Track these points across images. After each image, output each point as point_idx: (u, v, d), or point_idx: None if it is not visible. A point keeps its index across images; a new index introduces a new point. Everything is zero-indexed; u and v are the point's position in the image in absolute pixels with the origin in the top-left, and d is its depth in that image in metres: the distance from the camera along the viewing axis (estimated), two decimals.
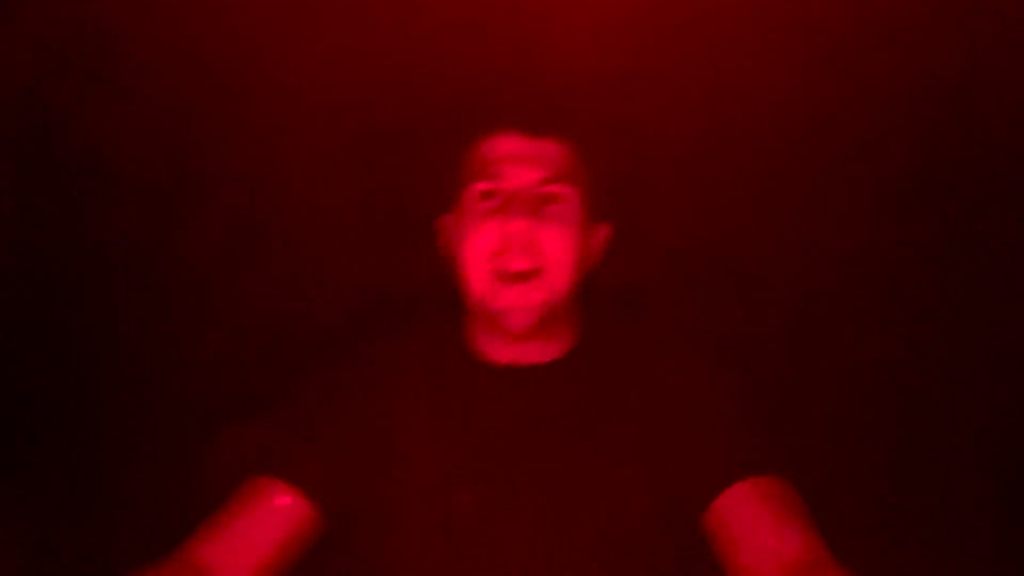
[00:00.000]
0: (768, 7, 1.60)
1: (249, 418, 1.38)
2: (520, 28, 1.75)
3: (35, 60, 1.66)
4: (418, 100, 1.90)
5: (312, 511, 0.85)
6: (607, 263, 0.96)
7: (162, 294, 1.82)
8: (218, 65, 1.77)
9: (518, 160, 0.85)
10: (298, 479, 0.85)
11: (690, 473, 0.83)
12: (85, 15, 1.62)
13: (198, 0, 1.68)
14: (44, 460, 1.55)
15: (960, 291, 1.65)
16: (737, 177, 1.72)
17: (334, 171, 1.91)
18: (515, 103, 0.95)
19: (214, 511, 0.87)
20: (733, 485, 0.81)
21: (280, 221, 1.86)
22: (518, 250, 0.82)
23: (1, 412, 1.56)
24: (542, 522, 0.82)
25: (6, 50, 1.62)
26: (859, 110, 1.69)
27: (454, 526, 0.82)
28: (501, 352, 0.89)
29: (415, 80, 1.88)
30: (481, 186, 0.86)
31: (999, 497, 1.53)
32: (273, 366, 1.82)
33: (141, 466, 1.56)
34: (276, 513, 0.84)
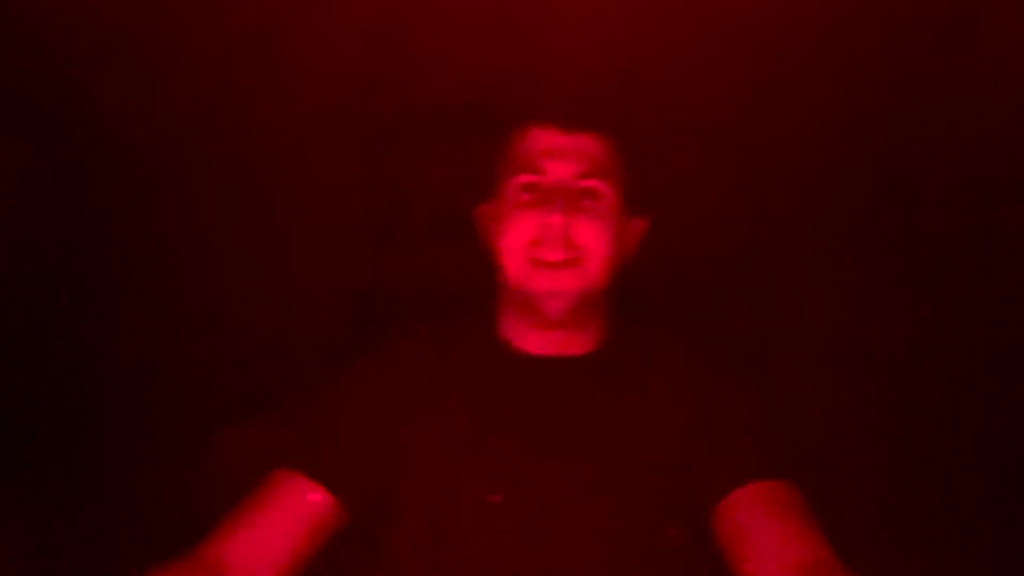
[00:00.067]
0: (768, 8, 1.60)
1: (250, 418, 1.38)
2: (520, 28, 1.75)
3: (35, 56, 1.66)
4: (418, 100, 1.90)
5: (333, 507, 0.85)
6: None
7: (162, 294, 1.82)
8: (218, 64, 1.77)
9: (557, 154, 0.88)
10: (320, 474, 0.86)
11: (702, 473, 0.84)
12: (85, 12, 1.62)
13: None
14: (44, 460, 1.55)
15: (962, 291, 1.65)
16: (738, 177, 1.72)
17: (334, 170, 1.91)
18: (554, 98, 0.96)
19: (224, 508, 0.87)
20: (742, 487, 0.82)
21: (280, 221, 1.87)
22: (554, 242, 0.85)
23: (1, 412, 1.56)
24: (571, 517, 0.83)
25: (6, 48, 1.62)
26: (862, 110, 1.69)
27: (485, 524, 0.83)
28: (534, 343, 0.91)
29: (415, 80, 1.89)
30: (521, 179, 0.89)
31: (999, 497, 1.53)
32: (273, 366, 1.82)
33: (141, 466, 1.56)
34: (297, 508, 0.85)
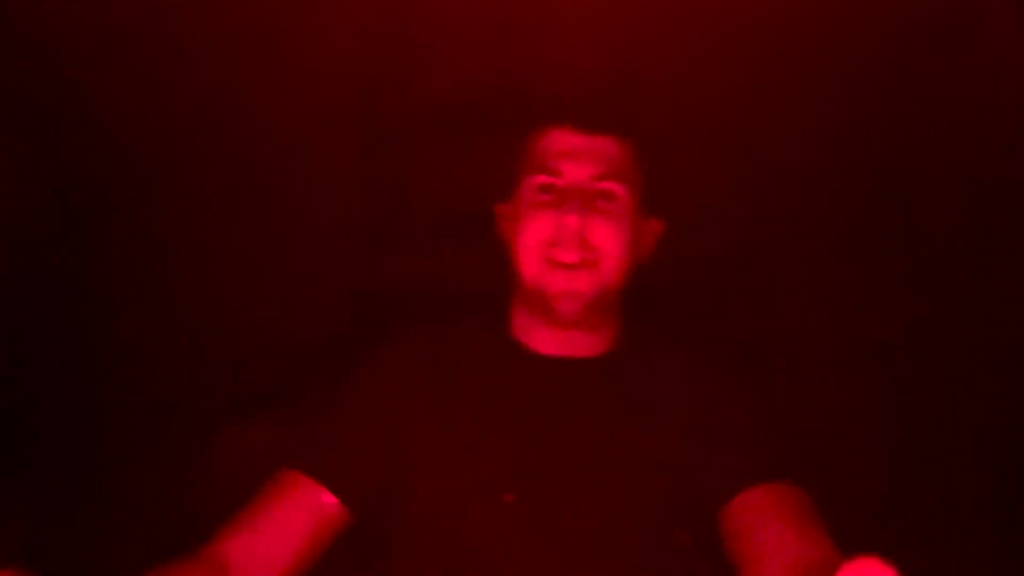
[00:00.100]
0: (768, 8, 1.60)
1: (250, 418, 1.38)
2: (520, 28, 1.75)
3: (35, 56, 1.66)
4: (418, 100, 1.90)
5: (338, 509, 0.85)
6: None
7: (162, 294, 1.82)
8: (218, 64, 1.77)
9: (575, 156, 0.88)
10: (325, 476, 0.85)
11: (709, 475, 0.84)
12: (85, 12, 1.62)
13: None
14: (44, 460, 1.55)
15: (962, 291, 1.65)
16: (738, 177, 1.72)
17: (334, 170, 1.91)
18: (572, 98, 0.97)
19: (224, 507, 0.87)
20: (749, 489, 0.82)
21: (280, 221, 1.87)
22: (570, 243, 0.85)
23: (1, 412, 1.56)
24: (580, 518, 0.83)
25: (6, 48, 1.62)
26: (862, 110, 1.69)
27: (498, 523, 0.83)
28: (546, 343, 0.91)
29: (415, 80, 1.89)
30: (538, 179, 0.89)
31: (999, 497, 1.53)
32: (273, 366, 1.82)
33: (141, 466, 1.56)
34: (302, 509, 0.85)
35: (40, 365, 1.67)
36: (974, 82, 1.62)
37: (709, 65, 1.69)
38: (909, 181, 1.70)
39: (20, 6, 1.62)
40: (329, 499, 0.84)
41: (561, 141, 0.88)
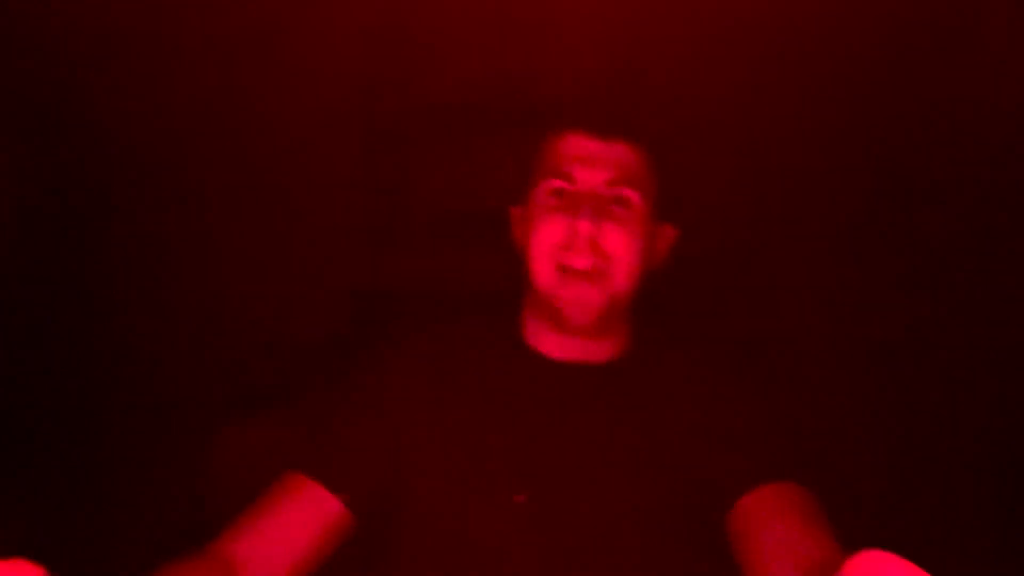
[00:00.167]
0: (769, 9, 1.60)
1: (250, 418, 1.38)
2: (520, 28, 1.75)
3: (35, 56, 1.66)
4: (418, 100, 1.90)
5: (343, 511, 0.85)
6: None
7: (162, 294, 1.82)
8: (218, 64, 1.77)
9: (589, 161, 0.87)
10: (330, 479, 0.85)
11: (715, 476, 0.84)
12: (85, 12, 1.62)
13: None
14: (44, 460, 1.55)
15: (961, 291, 1.65)
16: (738, 177, 1.72)
17: (334, 170, 1.91)
18: (587, 103, 0.96)
19: (224, 506, 0.87)
20: (754, 489, 0.82)
21: (280, 221, 1.87)
22: (582, 249, 0.84)
23: (1, 412, 1.56)
24: (589, 518, 0.83)
25: (6, 48, 1.62)
26: (862, 110, 1.69)
27: (508, 525, 0.83)
28: (556, 348, 0.91)
29: (415, 80, 1.89)
30: (551, 184, 0.88)
31: (999, 497, 1.53)
32: (273, 366, 1.82)
33: (141, 466, 1.56)
34: (307, 513, 0.85)
35: (40, 365, 1.67)
36: (974, 82, 1.62)
37: (709, 65, 1.69)
38: (909, 181, 1.70)
39: (20, 6, 1.62)
40: (334, 502, 0.84)
41: (575, 146, 0.88)
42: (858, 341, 1.71)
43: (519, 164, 0.94)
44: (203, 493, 1.22)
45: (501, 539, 0.82)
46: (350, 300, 1.90)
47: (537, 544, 0.82)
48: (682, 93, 1.66)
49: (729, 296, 1.70)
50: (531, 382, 0.89)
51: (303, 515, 0.84)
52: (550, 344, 0.90)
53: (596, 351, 0.90)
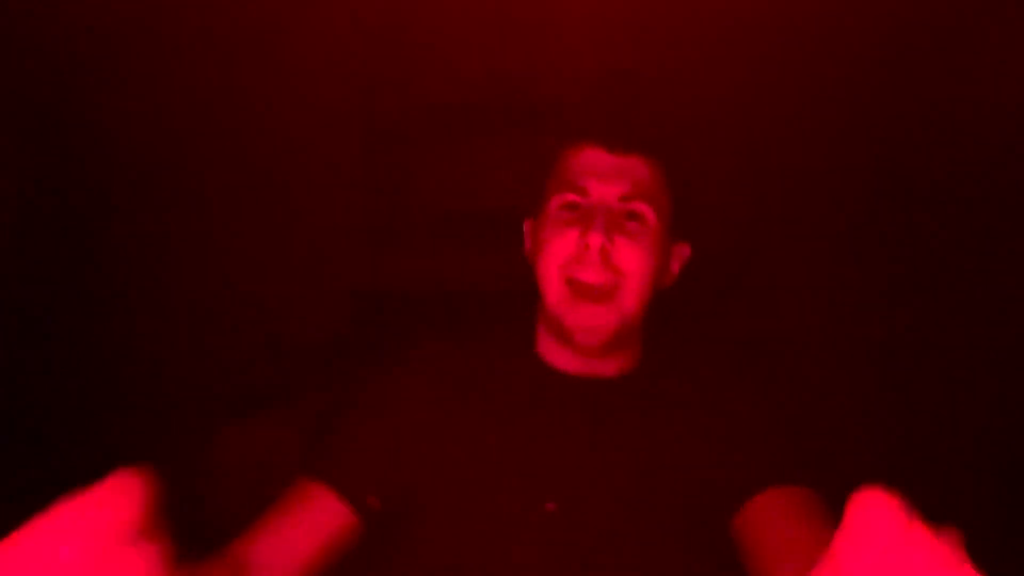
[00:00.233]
0: (769, 9, 1.60)
1: (250, 418, 1.38)
2: (520, 28, 1.75)
3: (35, 56, 1.66)
4: (418, 100, 1.90)
5: (355, 519, 0.85)
6: None
7: (162, 294, 1.82)
8: (218, 64, 1.77)
9: (602, 175, 0.86)
10: (344, 487, 0.85)
11: (723, 478, 0.84)
12: (85, 12, 1.62)
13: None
14: (44, 460, 1.55)
15: (962, 291, 1.65)
16: (738, 177, 1.72)
17: (334, 170, 1.91)
18: (601, 116, 0.95)
19: (224, 506, 0.87)
20: (761, 492, 0.82)
21: (280, 221, 1.87)
22: (594, 263, 0.83)
23: (1, 412, 1.56)
24: (605, 530, 0.83)
25: (6, 48, 1.62)
26: (862, 110, 1.69)
27: (526, 536, 0.83)
28: (569, 362, 0.90)
29: (415, 80, 1.89)
30: (565, 197, 0.87)
31: (999, 497, 1.53)
32: (273, 366, 1.82)
33: (141, 466, 1.56)
34: (320, 518, 0.84)
35: (40, 365, 1.67)
36: (974, 82, 1.62)
37: (709, 66, 1.69)
38: (909, 181, 1.70)
39: (20, 6, 1.62)
40: (346, 509, 0.84)
41: (590, 160, 0.87)
42: (858, 341, 1.71)
43: (531, 174, 0.93)
44: (203, 493, 1.22)
45: (519, 549, 0.82)
46: (350, 300, 1.90)
47: (555, 554, 0.82)
48: (682, 94, 1.66)
49: (730, 297, 1.70)
50: (544, 395, 0.89)
51: (316, 521, 0.84)
52: (562, 358, 0.90)
53: (607, 366, 0.90)
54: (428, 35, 1.78)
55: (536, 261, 0.88)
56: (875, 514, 0.35)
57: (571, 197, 0.86)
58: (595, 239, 0.82)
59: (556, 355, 0.90)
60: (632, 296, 0.84)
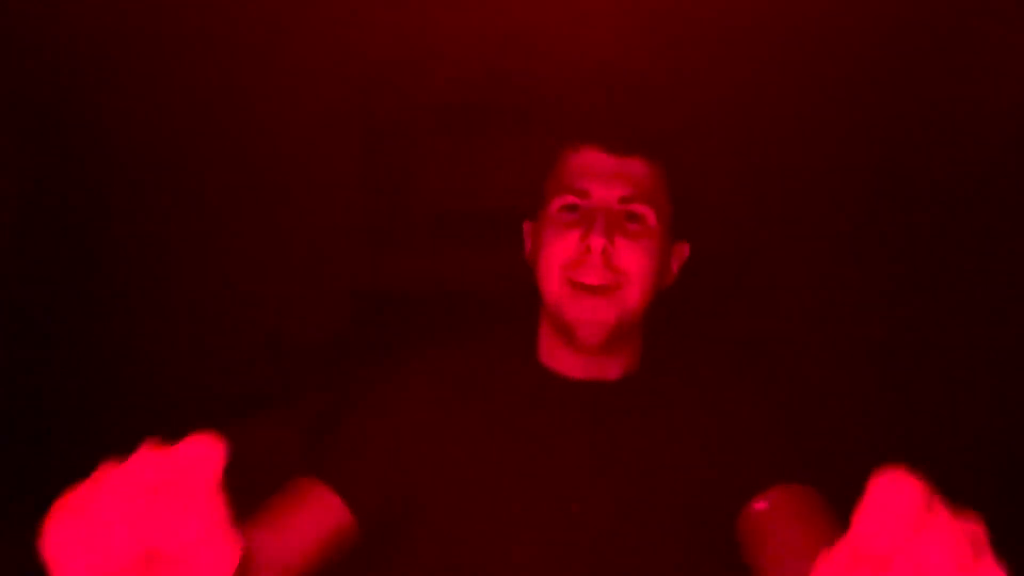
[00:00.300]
0: (769, 10, 1.60)
1: (250, 418, 1.38)
2: (520, 28, 1.75)
3: (35, 56, 1.66)
4: (418, 100, 1.90)
5: (352, 519, 0.85)
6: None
7: (162, 294, 1.82)
8: (218, 64, 1.77)
9: (603, 177, 0.86)
10: (342, 487, 0.85)
11: (727, 480, 0.84)
12: (85, 13, 1.62)
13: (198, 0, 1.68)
14: (44, 460, 1.55)
15: (962, 291, 1.65)
16: (738, 177, 1.72)
17: (334, 170, 1.91)
18: (601, 117, 0.95)
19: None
20: (765, 491, 0.82)
21: (280, 221, 1.87)
22: (595, 265, 0.83)
23: (1, 412, 1.56)
24: (611, 535, 0.83)
25: (6, 48, 1.62)
26: (862, 111, 1.69)
27: (527, 543, 0.83)
28: (570, 366, 0.90)
29: (415, 80, 1.89)
30: (565, 199, 0.87)
31: (999, 497, 1.53)
32: (273, 366, 1.82)
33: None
34: (317, 516, 0.84)
35: (40, 365, 1.67)
36: (974, 82, 1.62)
37: (709, 66, 1.69)
38: (909, 181, 1.70)
39: (20, 6, 1.62)
40: (344, 509, 0.84)
41: (590, 161, 0.87)
42: (858, 341, 1.71)
43: (531, 176, 0.93)
44: None
45: (521, 552, 0.82)
46: (350, 300, 1.90)
47: (559, 556, 0.82)
48: (682, 95, 1.66)
49: (730, 297, 1.70)
50: (546, 401, 0.89)
51: (314, 519, 0.84)
52: (564, 362, 0.90)
53: (609, 368, 0.90)
54: (428, 35, 1.78)
55: (536, 263, 0.88)
56: (896, 494, 0.35)
57: (571, 199, 0.86)
58: (597, 241, 0.82)
59: (558, 359, 0.90)
60: (633, 295, 0.84)
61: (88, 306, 1.75)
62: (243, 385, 1.72)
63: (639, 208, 0.86)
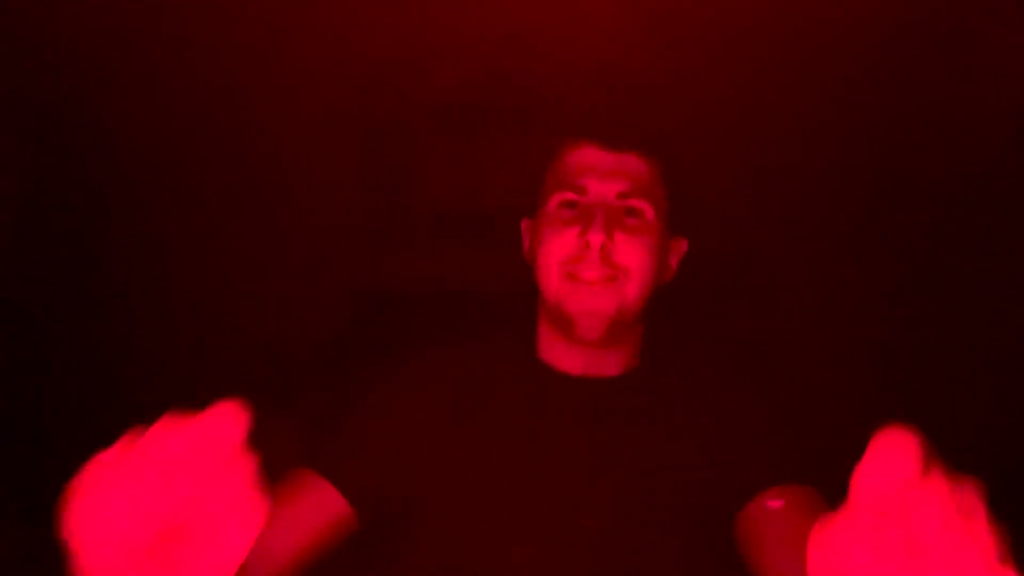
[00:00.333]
0: (769, 10, 1.60)
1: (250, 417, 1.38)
2: (520, 28, 1.75)
3: (35, 56, 1.66)
4: (418, 100, 1.90)
5: (348, 512, 0.85)
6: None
7: (162, 294, 1.82)
8: (218, 64, 1.77)
9: (600, 173, 0.87)
10: (339, 480, 0.86)
11: (726, 480, 0.85)
12: (85, 13, 1.62)
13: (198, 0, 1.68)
14: (44, 460, 1.55)
15: (962, 291, 1.65)
16: (738, 177, 1.72)
17: (334, 170, 1.91)
18: (598, 114, 0.95)
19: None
20: (763, 492, 0.82)
21: (280, 221, 1.87)
22: (594, 261, 0.84)
23: (1, 412, 1.56)
24: (606, 533, 0.84)
25: (6, 49, 1.62)
26: (862, 111, 1.69)
27: (533, 537, 0.83)
28: (570, 363, 0.90)
29: (415, 80, 1.89)
30: (563, 196, 0.87)
31: (999, 497, 1.53)
32: (273, 366, 1.82)
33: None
34: (313, 507, 0.85)
35: (40, 365, 1.67)
36: (974, 82, 1.62)
37: (709, 66, 1.69)
38: (909, 181, 1.70)
39: (20, 6, 1.62)
40: (341, 501, 0.84)
41: (587, 158, 0.88)
42: (858, 341, 1.71)
43: (528, 174, 0.93)
44: None
45: (522, 550, 0.83)
46: (350, 300, 1.90)
47: (558, 555, 0.82)
48: (683, 95, 1.66)
49: (730, 297, 1.70)
50: (545, 396, 0.89)
51: (309, 510, 0.84)
52: (563, 359, 0.90)
53: (608, 364, 0.90)
54: (428, 35, 1.78)
55: (535, 260, 0.88)
56: (895, 452, 0.35)
57: (569, 195, 0.86)
58: (596, 237, 0.82)
59: (558, 356, 0.90)
60: (633, 289, 0.85)
61: (88, 306, 1.76)
62: (243, 385, 1.72)
63: (637, 203, 0.86)
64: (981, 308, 1.63)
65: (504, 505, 0.85)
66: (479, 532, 0.85)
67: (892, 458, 0.36)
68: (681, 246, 0.95)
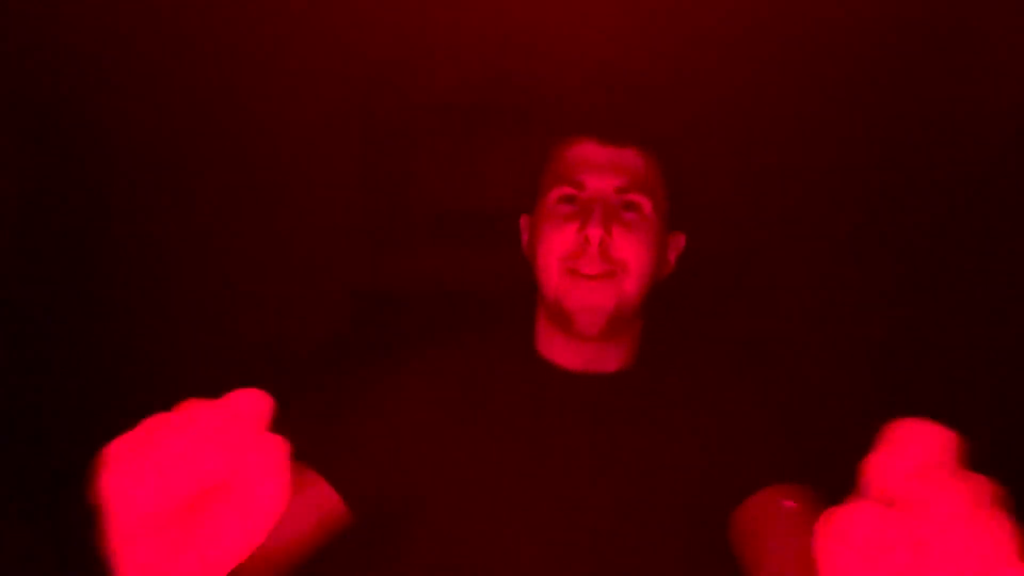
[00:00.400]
0: (769, 10, 1.60)
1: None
2: (520, 28, 1.75)
3: (35, 56, 1.66)
4: (418, 100, 1.90)
5: (342, 507, 0.86)
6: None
7: (162, 294, 1.82)
8: (218, 64, 1.77)
9: (598, 168, 0.87)
10: (334, 476, 0.86)
11: (723, 477, 0.85)
12: (85, 13, 1.62)
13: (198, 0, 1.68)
14: (44, 460, 1.55)
15: (962, 291, 1.65)
16: (738, 177, 1.72)
17: (334, 170, 1.91)
18: (595, 109, 0.96)
19: None
20: (759, 491, 0.82)
21: (280, 221, 1.87)
22: (593, 256, 0.84)
23: (1, 412, 1.56)
24: (604, 530, 0.84)
25: (6, 49, 1.62)
26: (863, 111, 1.69)
27: (533, 534, 0.83)
28: (569, 358, 0.90)
29: (415, 80, 1.89)
30: (562, 191, 0.87)
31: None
32: (273, 366, 1.82)
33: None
34: (308, 504, 0.85)
35: (40, 365, 1.67)
36: (974, 82, 1.62)
37: (709, 66, 1.69)
38: (909, 181, 1.70)
39: (20, 6, 1.62)
40: (334, 497, 0.85)
41: (585, 153, 0.88)
42: (858, 341, 1.71)
43: (528, 172, 0.93)
44: None
45: (521, 549, 0.83)
46: (350, 300, 1.90)
47: (557, 553, 0.82)
48: (682, 94, 1.66)
49: (730, 297, 1.70)
50: (544, 393, 0.89)
51: (302, 506, 0.84)
52: (562, 354, 0.90)
53: (607, 360, 0.90)
54: (428, 35, 1.78)
55: (535, 256, 0.88)
56: (910, 440, 0.35)
57: (568, 190, 0.86)
58: (594, 232, 0.82)
59: (556, 351, 0.91)
60: (631, 283, 0.85)
61: (88, 306, 1.76)
62: (243, 385, 1.72)
63: (635, 197, 0.86)
64: (981, 308, 1.63)
65: (504, 503, 0.85)
66: (479, 530, 0.85)
67: (911, 446, 0.35)
68: (679, 241, 0.95)
